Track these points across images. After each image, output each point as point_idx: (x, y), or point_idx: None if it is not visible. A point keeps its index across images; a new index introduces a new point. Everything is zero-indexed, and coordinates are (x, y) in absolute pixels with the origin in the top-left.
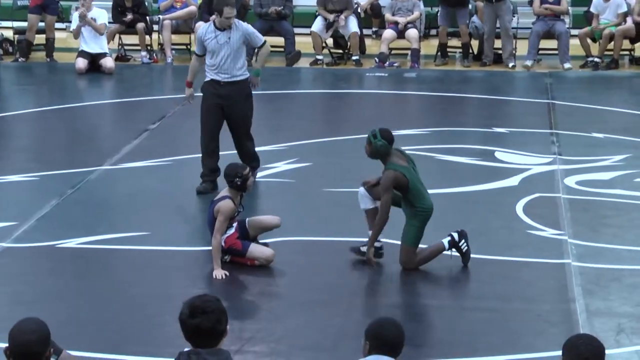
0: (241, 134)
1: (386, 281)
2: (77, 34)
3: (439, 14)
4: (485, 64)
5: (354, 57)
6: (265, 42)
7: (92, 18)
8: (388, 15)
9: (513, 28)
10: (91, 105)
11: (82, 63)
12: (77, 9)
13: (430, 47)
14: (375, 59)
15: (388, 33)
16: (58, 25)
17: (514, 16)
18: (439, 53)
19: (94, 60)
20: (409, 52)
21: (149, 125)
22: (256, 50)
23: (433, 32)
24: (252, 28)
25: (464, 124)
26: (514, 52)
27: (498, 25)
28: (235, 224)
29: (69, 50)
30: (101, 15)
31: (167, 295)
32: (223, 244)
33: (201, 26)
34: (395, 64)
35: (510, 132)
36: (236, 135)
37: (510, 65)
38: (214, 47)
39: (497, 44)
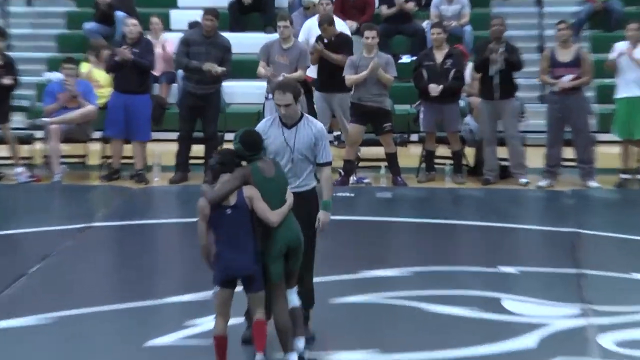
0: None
1: None
2: None
3: (420, 113)
4: (487, 181)
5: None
6: (331, 161)
7: None
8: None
9: (522, 132)
10: None
11: None
12: None
13: (409, 157)
14: (339, 171)
15: (354, 128)
16: None
17: (523, 117)
18: (422, 165)
19: None
20: (382, 164)
21: (26, 268)
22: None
23: (414, 137)
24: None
25: (458, 261)
26: (524, 163)
27: (500, 128)
28: None
29: None
30: None
31: None
32: None
33: None
34: (365, 180)
35: (521, 272)
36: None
37: (522, 181)
38: (277, 148)
39: (502, 151)
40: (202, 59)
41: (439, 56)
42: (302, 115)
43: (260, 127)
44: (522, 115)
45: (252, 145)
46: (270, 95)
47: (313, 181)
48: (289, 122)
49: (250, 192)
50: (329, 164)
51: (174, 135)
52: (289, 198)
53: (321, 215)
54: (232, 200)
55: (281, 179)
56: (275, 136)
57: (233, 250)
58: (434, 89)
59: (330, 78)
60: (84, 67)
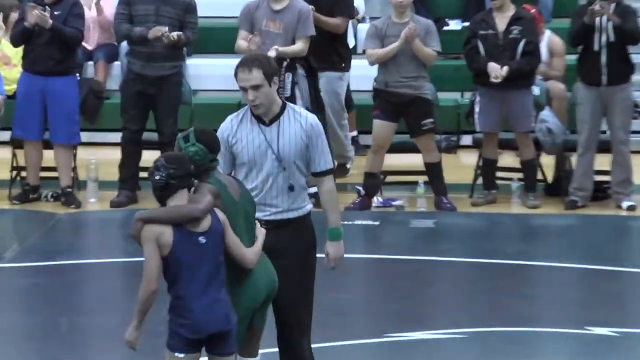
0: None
1: None
2: None
3: (475, 105)
4: (574, 204)
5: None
6: (333, 168)
7: None
8: (372, 52)
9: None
10: None
11: None
12: None
13: (460, 169)
14: (357, 189)
15: (380, 127)
16: None
17: (639, 111)
18: (479, 181)
19: None
20: (419, 179)
21: None
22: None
23: (466, 139)
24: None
25: (534, 318)
26: (631, 179)
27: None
28: None
29: None
30: None
31: None
32: None
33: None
34: (397, 202)
35: (621, 334)
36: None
37: (625, 205)
38: (254, 155)
39: (598, 162)
40: (150, 24)
41: (501, 22)
42: (284, 105)
43: (224, 127)
44: (637, 110)
45: (214, 145)
46: None
47: (308, 202)
48: (265, 116)
49: (222, 215)
50: (330, 172)
51: (117, 136)
52: (260, 231)
53: (330, 248)
54: (206, 224)
55: (249, 204)
56: (248, 138)
57: (208, 297)
58: (496, 70)
59: (319, 50)
60: None
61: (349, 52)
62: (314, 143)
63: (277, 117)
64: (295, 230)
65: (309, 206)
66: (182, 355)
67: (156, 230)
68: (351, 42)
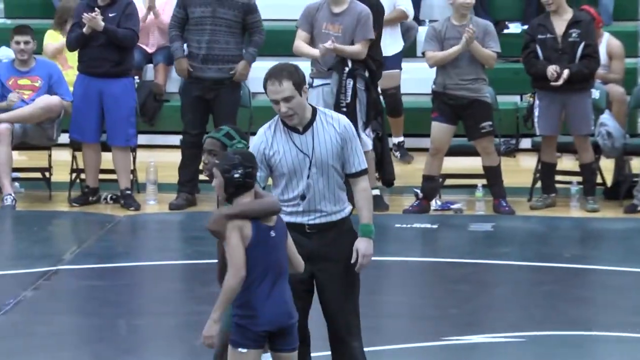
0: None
1: None
2: None
3: (534, 109)
4: (634, 208)
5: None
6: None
7: None
8: (432, 55)
9: None
10: None
11: None
12: None
13: (519, 173)
14: (416, 192)
15: (439, 130)
16: None
17: None
18: (538, 184)
19: None
20: (478, 182)
21: None
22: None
23: (525, 142)
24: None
25: (592, 322)
26: None
27: None
28: None
29: None
30: None
31: None
32: None
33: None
34: (455, 206)
35: None
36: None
37: None
38: (293, 165)
39: None
40: (207, 26)
41: (559, 26)
42: (314, 110)
43: (258, 140)
44: None
45: (248, 140)
46: (314, 82)
47: (348, 203)
48: (299, 125)
49: None
50: (365, 172)
51: (176, 138)
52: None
53: (360, 244)
54: (274, 218)
55: None
56: (285, 148)
57: (276, 291)
58: (555, 70)
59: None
60: (51, 39)
61: (380, 65)
62: (348, 145)
63: (310, 123)
64: (339, 232)
65: (349, 207)
66: (245, 350)
67: (239, 223)
68: (399, 44)
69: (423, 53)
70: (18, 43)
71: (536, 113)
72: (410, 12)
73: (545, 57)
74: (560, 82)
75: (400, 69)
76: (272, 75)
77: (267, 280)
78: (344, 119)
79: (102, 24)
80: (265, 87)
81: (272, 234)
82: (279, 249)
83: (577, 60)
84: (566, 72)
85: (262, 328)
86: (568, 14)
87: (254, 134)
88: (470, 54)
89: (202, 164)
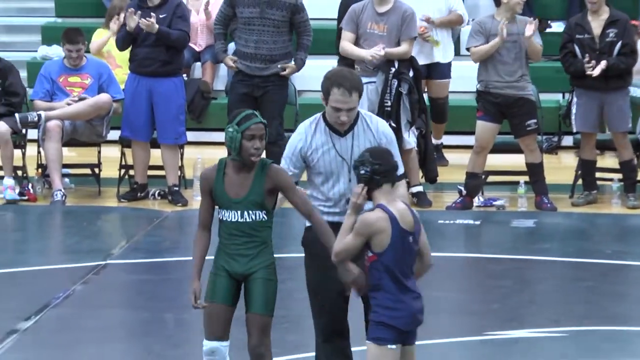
0: None
1: None
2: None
3: (572, 107)
4: None
5: (412, 189)
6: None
7: None
8: (477, 50)
9: None
10: None
11: None
12: None
13: (561, 170)
14: (459, 188)
15: (483, 128)
16: None
17: None
18: (579, 181)
19: None
20: (521, 179)
21: (16, 322)
22: None
23: (566, 140)
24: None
25: (633, 318)
26: None
27: None
28: None
29: None
30: None
31: None
32: None
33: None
34: (498, 202)
35: None
36: None
37: None
38: (330, 167)
39: None
40: (255, 27)
41: (596, 26)
42: (357, 114)
43: (297, 138)
44: None
45: None
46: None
47: None
48: (343, 128)
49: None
50: (403, 176)
51: (222, 135)
52: None
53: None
54: (411, 220)
55: None
56: (324, 148)
57: (415, 289)
58: (592, 63)
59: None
60: (97, 37)
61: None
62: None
63: (351, 127)
64: None
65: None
66: (394, 346)
67: (379, 216)
68: (451, 52)
69: (467, 49)
70: (70, 50)
71: (574, 110)
72: (466, 17)
73: (583, 57)
74: (598, 71)
75: (450, 77)
76: (343, 84)
77: (409, 280)
78: (382, 124)
79: (157, 26)
80: (329, 91)
81: (410, 239)
82: (415, 248)
83: (614, 57)
84: (603, 62)
85: (407, 327)
86: (605, 13)
87: None
88: (516, 51)
89: (252, 149)
